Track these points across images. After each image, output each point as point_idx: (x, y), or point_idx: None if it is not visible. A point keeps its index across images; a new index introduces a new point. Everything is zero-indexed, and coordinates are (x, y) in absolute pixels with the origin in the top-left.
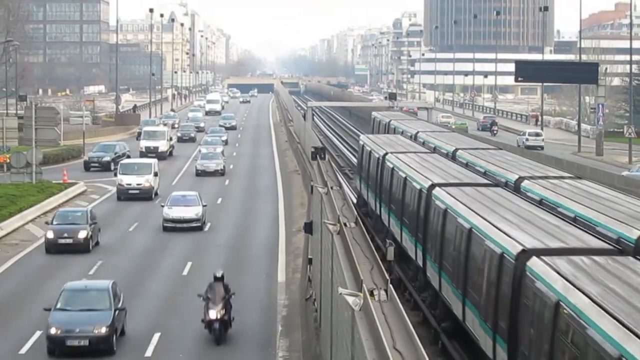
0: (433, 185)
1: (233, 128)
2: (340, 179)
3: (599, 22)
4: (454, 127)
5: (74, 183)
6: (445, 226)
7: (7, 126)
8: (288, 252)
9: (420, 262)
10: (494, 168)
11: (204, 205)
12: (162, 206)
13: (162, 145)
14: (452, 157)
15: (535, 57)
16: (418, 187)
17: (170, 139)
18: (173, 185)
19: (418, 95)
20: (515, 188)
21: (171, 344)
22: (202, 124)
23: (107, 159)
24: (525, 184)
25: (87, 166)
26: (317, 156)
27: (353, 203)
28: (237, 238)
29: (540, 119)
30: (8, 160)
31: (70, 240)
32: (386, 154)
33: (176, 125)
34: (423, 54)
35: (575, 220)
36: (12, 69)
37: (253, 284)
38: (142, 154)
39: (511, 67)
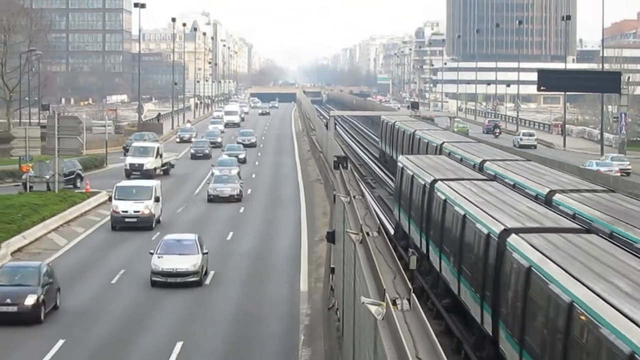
0: (507, 231)
1: (252, 145)
2: (362, 188)
3: (622, 31)
4: (455, 130)
5: (96, 192)
6: (538, 298)
7: (30, 135)
8: (310, 261)
9: (507, 350)
10: (523, 180)
11: (204, 253)
12: (151, 254)
13: (149, 163)
14: (480, 168)
15: (558, 66)
16: (485, 230)
17: (161, 155)
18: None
19: (440, 105)
20: (547, 202)
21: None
22: (219, 139)
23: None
24: (557, 197)
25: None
26: (340, 165)
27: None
28: (259, 247)
29: (562, 128)
30: (31, 170)
31: (13, 309)
32: (435, 181)
33: (193, 140)
34: (445, 63)
35: (612, 237)
36: (35, 78)
37: (275, 293)
38: (127, 173)
39: (534, 76)
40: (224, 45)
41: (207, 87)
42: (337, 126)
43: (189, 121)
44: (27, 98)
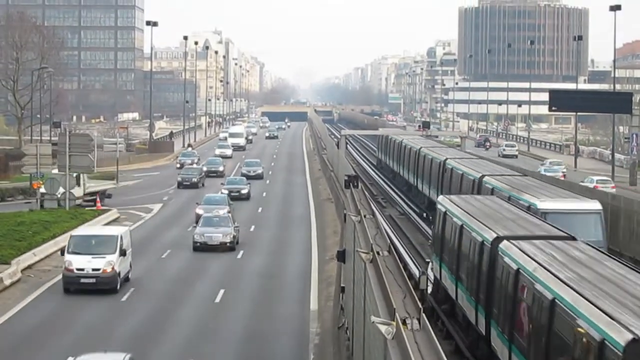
0: (636, 341)
1: (258, 177)
2: (373, 207)
3: (634, 51)
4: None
5: (107, 210)
6: (525, 296)
7: (41, 153)
8: (321, 280)
9: None
10: (467, 170)
11: None
12: None
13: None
14: (479, 183)
15: (569, 86)
16: (597, 337)
17: (83, 183)
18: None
19: (452, 124)
20: (479, 183)
21: None
22: (220, 168)
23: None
24: (485, 179)
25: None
26: (351, 184)
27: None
28: (270, 266)
29: (575, 148)
30: (42, 187)
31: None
32: (498, 238)
33: (194, 165)
34: (457, 83)
35: (509, 199)
36: (47, 95)
37: (285, 312)
38: (40, 204)
39: (545, 97)
40: (236, 64)
41: (218, 106)
42: (348, 145)
43: (189, 145)
44: (38, 115)
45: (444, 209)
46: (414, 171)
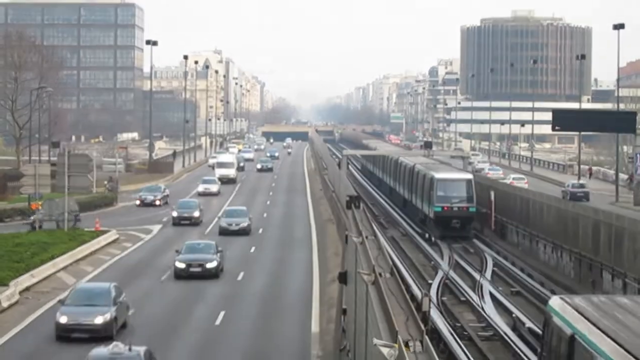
0: None
1: (244, 233)
2: (375, 228)
3: (637, 70)
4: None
5: (106, 231)
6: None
7: (40, 173)
8: (322, 302)
9: None
10: (407, 160)
11: None
12: None
13: None
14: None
15: (573, 105)
16: None
17: None
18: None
19: (454, 144)
20: (412, 167)
21: None
22: (195, 214)
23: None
24: (416, 167)
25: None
26: (352, 205)
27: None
28: (270, 287)
29: (578, 168)
30: (40, 208)
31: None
32: None
33: (158, 203)
34: (459, 102)
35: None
36: (46, 115)
37: (286, 334)
38: None
39: (548, 116)
40: (236, 83)
41: (219, 125)
42: (349, 165)
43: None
44: (37, 135)
45: (559, 323)
46: (408, 186)
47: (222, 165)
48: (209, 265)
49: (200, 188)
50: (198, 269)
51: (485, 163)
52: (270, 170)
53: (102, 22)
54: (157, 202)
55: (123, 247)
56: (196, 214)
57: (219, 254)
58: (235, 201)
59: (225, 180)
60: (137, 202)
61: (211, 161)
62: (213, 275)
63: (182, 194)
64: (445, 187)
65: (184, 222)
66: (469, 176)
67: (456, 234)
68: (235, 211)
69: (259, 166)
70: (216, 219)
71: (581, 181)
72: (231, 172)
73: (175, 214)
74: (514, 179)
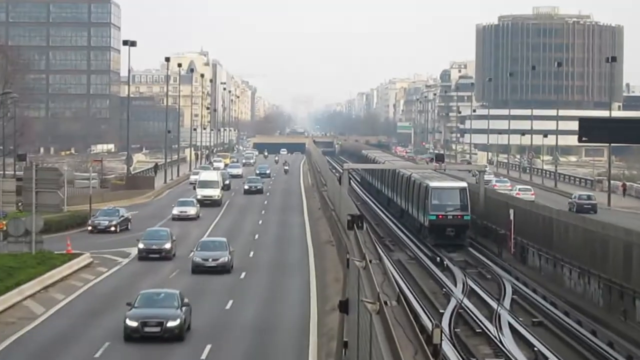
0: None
1: (223, 269)
2: (380, 251)
3: None
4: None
5: (79, 254)
6: None
7: (4, 189)
8: (320, 334)
9: None
10: (404, 171)
11: None
12: None
13: None
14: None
15: (602, 113)
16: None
17: None
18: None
19: (469, 157)
20: (409, 176)
21: None
22: (166, 245)
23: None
24: (412, 175)
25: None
26: (354, 225)
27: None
28: (263, 318)
29: (608, 183)
30: (4, 228)
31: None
32: None
33: (113, 229)
34: (474, 110)
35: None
36: (10, 124)
37: None
38: None
39: (574, 125)
40: (224, 89)
41: (205, 136)
42: (351, 181)
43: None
44: (1, 147)
45: None
46: (405, 196)
47: (204, 184)
48: (170, 324)
49: (175, 211)
50: (156, 329)
51: (491, 175)
52: (259, 192)
53: (73, 20)
54: (112, 229)
55: (98, 272)
56: (167, 245)
57: (183, 309)
58: (220, 224)
59: (208, 202)
60: (89, 227)
61: (193, 177)
62: (176, 337)
63: (157, 217)
64: (440, 196)
65: (152, 255)
66: (464, 185)
67: (451, 242)
68: (212, 243)
69: (246, 187)
70: (192, 253)
71: (589, 192)
72: (215, 193)
73: (141, 245)
74: (520, 189)
